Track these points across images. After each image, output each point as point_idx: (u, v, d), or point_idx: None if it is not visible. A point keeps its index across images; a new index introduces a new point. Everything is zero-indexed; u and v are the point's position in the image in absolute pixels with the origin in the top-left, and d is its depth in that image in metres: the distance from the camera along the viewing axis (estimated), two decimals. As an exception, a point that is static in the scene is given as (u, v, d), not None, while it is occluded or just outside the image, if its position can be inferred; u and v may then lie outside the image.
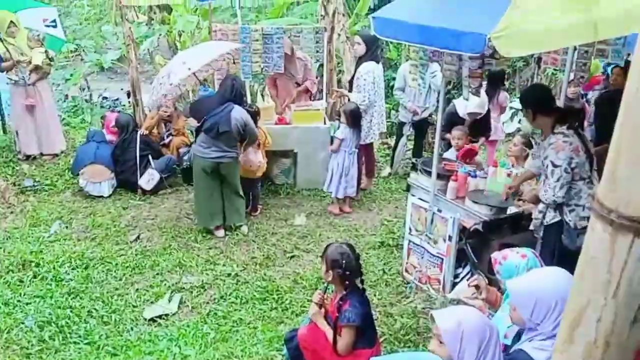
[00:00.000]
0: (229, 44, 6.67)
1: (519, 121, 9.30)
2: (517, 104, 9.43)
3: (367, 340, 3.50)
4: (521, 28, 3.28)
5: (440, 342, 2.37)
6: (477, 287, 3.38)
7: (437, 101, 6.69)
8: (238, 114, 5.69)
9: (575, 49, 4.63)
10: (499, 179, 4.85)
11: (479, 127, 6.20)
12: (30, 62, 7.50)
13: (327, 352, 3.50)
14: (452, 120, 6.13)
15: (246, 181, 6.15)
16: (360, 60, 6.54)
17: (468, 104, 5.98)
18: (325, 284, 3.70)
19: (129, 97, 9.76)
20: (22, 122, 7.70)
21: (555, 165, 3.88)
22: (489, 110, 6.58)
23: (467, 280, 3.79)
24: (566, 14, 3.12)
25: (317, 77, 7.94)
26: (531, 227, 4.22)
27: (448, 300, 4.72)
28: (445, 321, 2.35)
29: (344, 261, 3.41)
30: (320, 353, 3.53)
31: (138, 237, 6.00)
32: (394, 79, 8.21)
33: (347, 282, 3.44)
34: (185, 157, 7.19)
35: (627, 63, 5.20)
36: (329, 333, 3.49)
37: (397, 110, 8.12)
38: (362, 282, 3.60)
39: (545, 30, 3.28)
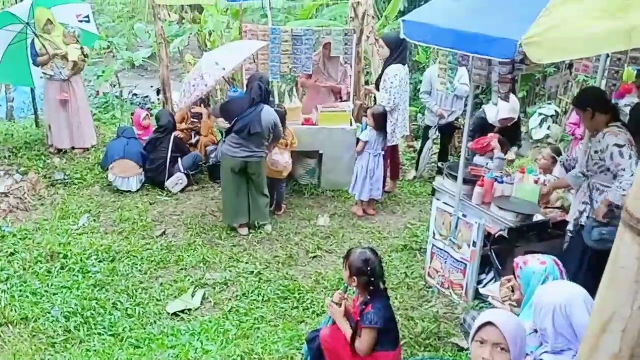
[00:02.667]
0: (257, 42, 6.71)
1: (548, 128, 9.20)
2: (547, 110, 9.34)
3: (389, 344, 3.48)
4: (553, 35, 3.26)
5: (502, 349, 2.22)
6: (512, 288, 3.34)
7: (465, 105, 6.67)
8: (269, 115, 5.73)
9: (608, 56, 4.56)
10: (527, 185, 4.80)
11: (509, 135, 6.14)
12: (65, 58, 7.66)
13: (347, 353, 3.50)
14: (482, 125, 6.09)
15: (272, 181, 6.21)
16: (387, 63, 6.53)
17: (500, 110, 5.93)
18: (345, 285, 3.69)
19: (158, 94, 9.93)
20: (55, 116, 7.86)
21: (620, 146, 3.93)
22: (519, 118, 6.51)
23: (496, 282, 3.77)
24: (599, 21, 3.09)
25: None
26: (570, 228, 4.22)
27: (470, 306, 4.69)
28: (509, 327, 2.22)
29: (369, 268, 3.37)
30: (341, 354, 3.53)
31: (164, 233, 6.08)
32: (421, 82, 8.18)
33: (372, 288, 3.43)
34: (212, 155, 7.26)
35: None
36: (348, 333, 3.49)
37: (423, 114, 8.09)
38: (384, 283, 3.58)
39: (577, 38, 3.25)
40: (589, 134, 4.47)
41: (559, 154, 5.60)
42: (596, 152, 4.07)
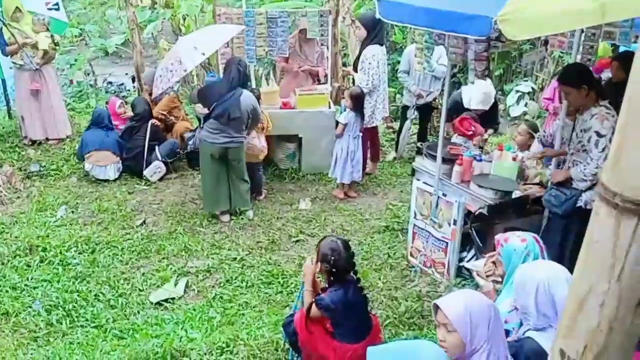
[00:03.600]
0: (235, 26, 6.61)
1: (525, 104, 9.26)
2: (523, 87, 9.40)
3: (349, 336, 3.44)
4: (527, 11, 3.26)
5: (449, 331, 2.31)
6: (495, 263, 3.36)
7: (443, 85, 6.67)
8: (248, 99, 5.68)
9: (582, 31, 4.58)
10: (505, 162, 4.84)
11: (486, 117, 6.17)
12: (35, 46, 7.48)
13: (320, 337, 3.50)
14: (457, 108, 6.10)
15: (249, 165, 6.15)
16: (364, 44, 6.49)
17: (472, 98, 5.96)
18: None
19: (133, 81, 9.75)
20: (27, 107, 7.70)
21: (600, 135, 3.91)
22: (496, 103, 6.55)
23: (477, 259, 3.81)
24: (573, -5, 3.09)
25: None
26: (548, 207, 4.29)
27: (453, 284, 4.74)
28: (452, 308, 2.30)
29: (332, 257, 3.38)
30: (315, 338, 3.54)
31: (144, 222, 6.03)
32: (398, 62, 8.16)
33: (332, 278, 3.44)
34: (190, 142, 7.18)
35: (625, 55, 5.16)
36: (307, 300, 3.53)
37: (401, 94, 8.08)
38: (355, 273, 3.58)
39: (551, 13, 3.25)
40: (566, 109, 4.50)
41: (535, 129, 5.64)
42: (582, 130, 4.06)
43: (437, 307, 2.36)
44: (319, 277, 3.66)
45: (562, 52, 6.55)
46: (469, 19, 3.49)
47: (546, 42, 5.75)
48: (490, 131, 6.33)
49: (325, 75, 7.41)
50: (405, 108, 7.38)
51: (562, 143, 4.47)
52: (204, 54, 5.83)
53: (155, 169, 7.02)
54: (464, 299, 2.36)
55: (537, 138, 5.27)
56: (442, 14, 3.67)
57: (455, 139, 5.77)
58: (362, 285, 3.57)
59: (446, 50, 4.53)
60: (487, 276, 3.33)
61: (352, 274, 3.49)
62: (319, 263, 3.45)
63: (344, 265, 3.43)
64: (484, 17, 3.36)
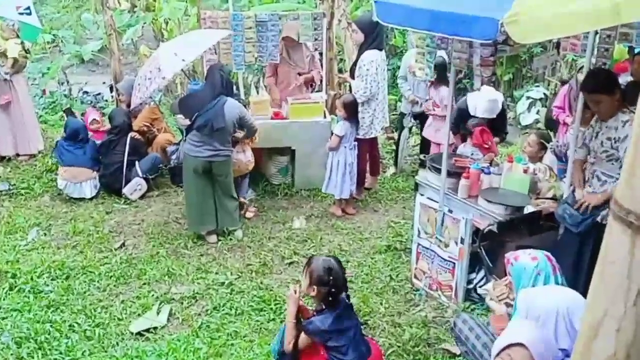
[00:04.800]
0: (219, 31, 6.66)
1: (537, 112, 9.32)
2: (534, 93, 9.47)
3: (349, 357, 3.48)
4: (536, 12, 3.29)
5: None
6: (508, 286, 3.37)
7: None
8: (232, 107, 5.71)
9: (596, 33, 4.63)
10: (515, 175, 4.85)
11: (494, 126, 6.21)
12: (3, 54, 7.51)
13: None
14: (462, 116, 6.14)
15: (235, 180, 6.14)
16: (361, 48, 6.54)
17: (477, 106, 6.00)
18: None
19: (111, 91, 9.78)
20: (-5, 120, 7.71)
21: None
22: (504, 110, 6.59)
23: (494, 282, 3.81)
24: (584, -5, 3.13)
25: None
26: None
27: (461, 308, 4.73)
28: (540, 348, 2.30)
29: (331, 277, 3.39)
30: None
31: (123, 244, 6.01)
32: (399, 67, 8.20)
33: (330, 299, 3.45)
34: (174, 156, 7.20)
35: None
36: (290, 337, 3.55)
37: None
38: (347, 297, 3.61)
39: (562, 14, 3.29)
40: (580, 116, 4.54)
41: (547, 139, 5.67)
42: (609, 139, 4.07)
43: (515, 344, 2.33)
44: (307, 303, 3.67)
45: (575, 56, 6.60)
46: (473, 21, 3.53)
47: (558, 45, 5.81)
48: (496, 139, 6.37)
49: (320, 83, 7.45)
50: (402, 116, 7.43)
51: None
52: (184, 61, 5.87)
53: (135, 186, 7.02)
54: (543, 337, 2.35)
55: (550, 149, 5.30)
56: (444, 16, 3.71)
57: (462, 148, 5.80)
58: (352, 304, 3.60)
59: (450, 55, 4.58)
60: (500, 300, 3.34)
61: (344, 295, 3.52)
62: (314, 287, 3.45)
63: (343, 283, 3.45)
64: (489, 19, 3.40)
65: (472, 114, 6.19)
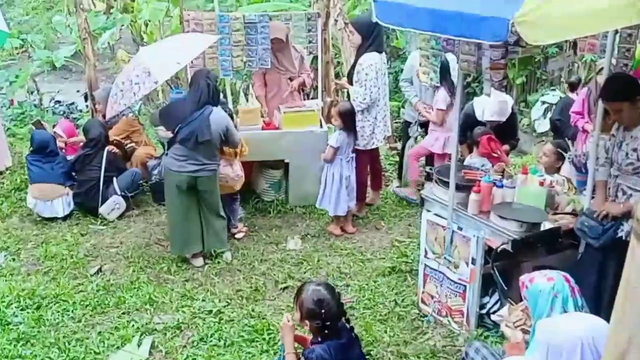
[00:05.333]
0: (204, 38, 6.55)
1: (553, 118, 9.35)
2: (550, 98, 9.52)
3: None
4: (550, 10, 3.32)
5: None
6: (525, 312, 3.36)
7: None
8: (218, 117, 5.72)
9: (616, 32, 4.67)
10: (531, 188, 4.87)
11: (503, 132, 6.24)
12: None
13: None
14: (469, 122, 6.17)
15: (222, 198, 6.13)
16: (359, 51, 6.58)
17: (485, 109, 6.03)
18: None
19: (86, 100, 9.82)
20: (-42, 135, 7.72)
21: None
22: (514, 114, 6.61)
23: (509, 306, 3.81)
24: (601, -8, 3.16)
25: (311, 71, 7.96)
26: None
27: (473, 336, 4.73)
28: None
29: (322, 310, 3.41)
30: None
31: (100, 270, 6.00)
32: (401, 71, 8.25)
33: (326, 331, 3.45)
34: (155, 172, 7.20)
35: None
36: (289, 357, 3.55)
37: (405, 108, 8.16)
38: (347, 321, 3.60)
39: (578, 13, 3.33)
40: (600, 124, 4.56)
41: (564, 148, 5.69)
42: (635, 150, 4.11)
43: None
44: (305, 331, 3.67)
45: (593, 56, 6.65)
46: (481, 22, 3.55)
47: (575, 45, 5.85)
48: (505, 147, 6.39)
49: (315, 88, 7.46)
50: (407, 124, 7.45)
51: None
52: (179, 64, 5.84)
53: (113, 205, 7.01)
54: None
55: (568, 159, 5.32)
56: (450, 16, 3.73)
57: (470, 159, 5.81)
58: (354, 329, 3.60)
59: (457, 58, 4.61)
60: (516, 326, 3.34)
61: (343, 320, 3.52)
62: (306, 321, 3.45)
63: (337, 312, 3.44)
64: (498, 19, 3.42)
65: (479, 119, 6.21)
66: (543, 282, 3.00)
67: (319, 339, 3.49)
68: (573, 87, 7.91)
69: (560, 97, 8.09)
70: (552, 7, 3.31)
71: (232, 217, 6.45)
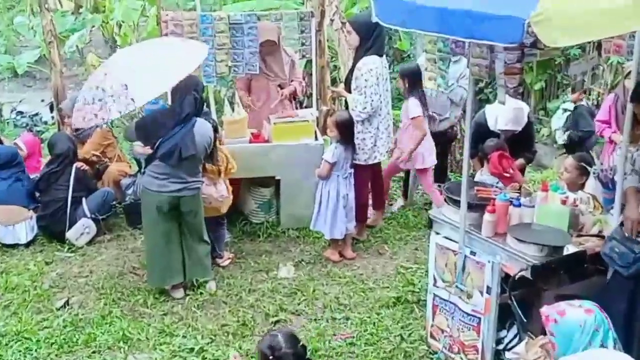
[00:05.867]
0: (194, 52, 6.16)
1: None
2: (572, 105, 9.54)
3: None
4: (570, 9, 3.34)
5: None
6: (544, 348, 3.34)
7: (464, 111, 6.75)
8: (203, 129, 5.73)
9: (645, 32, 4.70)
10: (552, 207, 4.87)
11: (519, 144, 6.26)
12: None
13: None
14: (480, 132, 6.19)
15: (207, 222, 6.12)
16: (358, 54, 6.60)
17: (498, 117, 6.05)
18: None
19: (52, 110, 9.83)
20: None
21: None
22: (530, 124, 6.63)
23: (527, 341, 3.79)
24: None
25: (304, 77, 7.99)
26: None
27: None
28: None
29: (270, 357, 3.50)
30: None
31: (67, 303, 5.98)
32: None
33: None
34: (130, 191, 7.20)
35: None
36: None
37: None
38: None
39: (601, 11, 3.35)
40: (629, 134, 4.58)
41: (588, 162, 5.69)
42: None
43: None
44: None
45: (620, 59, 6.70)
46: (493, 21, 3.57)
47: (599, 46, 5.89)
48: (520, 161, 6.39)
49: (309, 96, 7.48)
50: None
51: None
52: (133, 101, 5.52)
53: (82, 229, 7.01)
54: None
55: (593, 174, 5.33)
56: (458, 15, 3.74)
57: (481, 175, 5.81)
58: None
59: (468, 62, 4.63)
60: None
61: None
62: None
63: None
64: (513, 18, 3.44)
65: (491, 128, 6.23)
66: (580, 314, 2.96)
67: None
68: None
69: (576, 107, 8.11)
70: (572, 5, 3.33)
71: (216, 245, 6.43)
